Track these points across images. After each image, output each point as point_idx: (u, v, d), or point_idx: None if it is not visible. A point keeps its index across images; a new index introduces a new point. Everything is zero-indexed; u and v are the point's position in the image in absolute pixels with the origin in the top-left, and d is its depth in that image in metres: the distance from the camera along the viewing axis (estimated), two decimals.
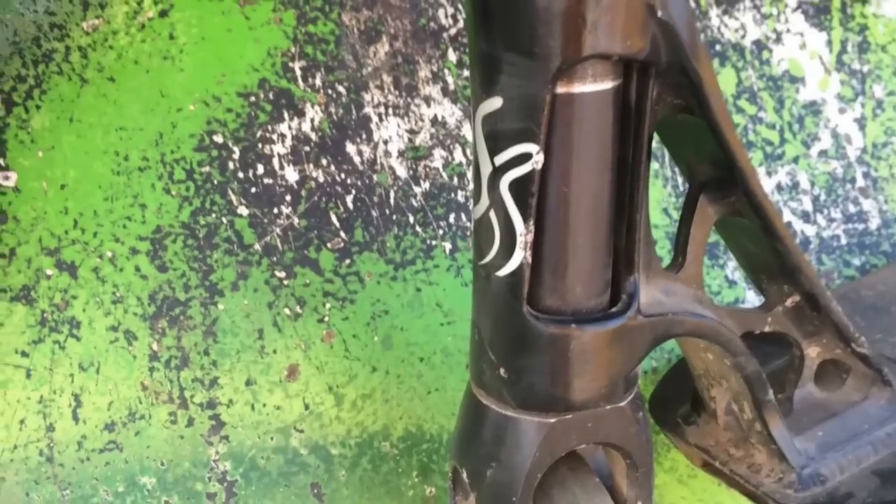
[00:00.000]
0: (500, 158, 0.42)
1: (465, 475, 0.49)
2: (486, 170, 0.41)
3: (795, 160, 0.75)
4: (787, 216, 0.75)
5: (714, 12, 0.77)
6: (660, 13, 0.40)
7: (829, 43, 0.80)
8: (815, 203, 0.76)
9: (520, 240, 0.43)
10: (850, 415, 0.58)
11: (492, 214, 0.43)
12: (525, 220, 0.42)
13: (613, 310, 0.45)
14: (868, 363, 0.55)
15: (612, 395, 0.47)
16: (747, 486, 0.56)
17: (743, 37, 0.78)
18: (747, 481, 0.56)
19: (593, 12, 0.39)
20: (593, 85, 0.41)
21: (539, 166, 0.41)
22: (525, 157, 0.41)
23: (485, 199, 0.42)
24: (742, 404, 0.53)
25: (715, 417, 0.56)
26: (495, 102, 0.42)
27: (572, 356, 0.44)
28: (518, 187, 0.43)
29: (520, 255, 0.43)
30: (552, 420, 0.46)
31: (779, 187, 0.75)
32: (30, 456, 0.64)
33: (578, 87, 0.41)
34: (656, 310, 0.46)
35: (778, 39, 0.79)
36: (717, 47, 0.76)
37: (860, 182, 0.77)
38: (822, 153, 0.76)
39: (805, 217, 0.75)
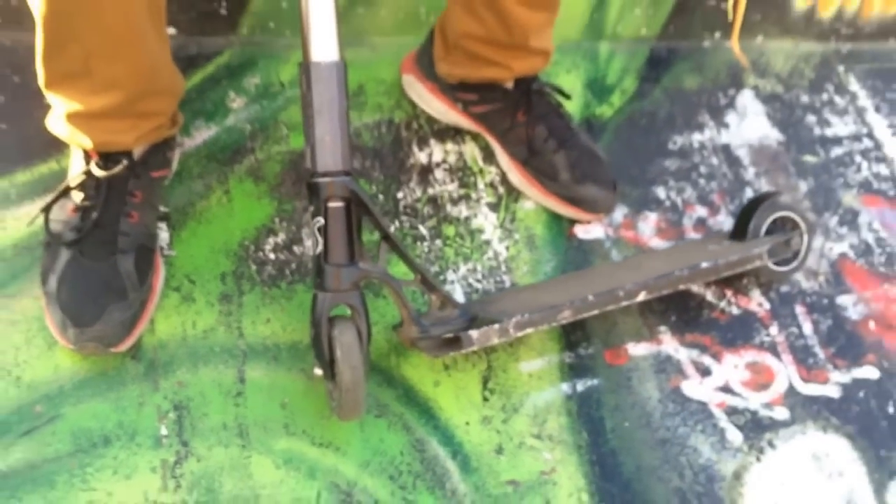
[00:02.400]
0: (312, 221, 1.31)
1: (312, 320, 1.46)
2: (311, 222, 1.42)
3: (479, 259, 1.67)
4: (470, 276, 1.71)
5: (449, 205, 1.70)
6: (351, 189, 1.34)
7: (498, 217, 1.69)
8: (485, 274, 1.62)
9: (319, 241, 1.21)
10: (443, 317, 1.35)
11: (315, 236, 1.27)
12: (321, 240, 1.36)
13: (350, 265, 1.28)
14: (447, 299, 1.46)
15: (347, 290, 1.27)
16: (414, 342, 1.35)
17: (461, 214, 1.68)
18: (411, 339, 1.40)
19: (329, 187, 1.37)
20: (337, 203, 1.22)
21: (322, 224, 1.37)
22: (319, 220, 1.40)
23: (312, 233, 1.42)
24: (404, 312, 1.48)
25: (405, 321, 1.54)
26: (311, 208, 1.35)
27: (335, 275, 1.26)
28: (318, 230, 1.22)
29: (320, 248, 1.22)
30: (330, 294, 1.22)
31: (469, 269, 1.78)
32: (176, 332, 1.49)
33: (332, 204, 1.20)
34: (367, 270, 1.25)
35: (475, 216, 1.66)
36: (449, 219, 1.75)
37: (503, 267, 1.71)
38: (490, 257, 1.65)
39: (478, 280, 1.72)
